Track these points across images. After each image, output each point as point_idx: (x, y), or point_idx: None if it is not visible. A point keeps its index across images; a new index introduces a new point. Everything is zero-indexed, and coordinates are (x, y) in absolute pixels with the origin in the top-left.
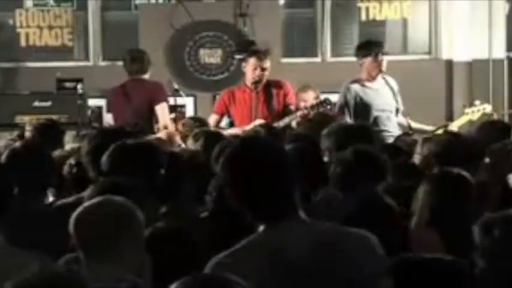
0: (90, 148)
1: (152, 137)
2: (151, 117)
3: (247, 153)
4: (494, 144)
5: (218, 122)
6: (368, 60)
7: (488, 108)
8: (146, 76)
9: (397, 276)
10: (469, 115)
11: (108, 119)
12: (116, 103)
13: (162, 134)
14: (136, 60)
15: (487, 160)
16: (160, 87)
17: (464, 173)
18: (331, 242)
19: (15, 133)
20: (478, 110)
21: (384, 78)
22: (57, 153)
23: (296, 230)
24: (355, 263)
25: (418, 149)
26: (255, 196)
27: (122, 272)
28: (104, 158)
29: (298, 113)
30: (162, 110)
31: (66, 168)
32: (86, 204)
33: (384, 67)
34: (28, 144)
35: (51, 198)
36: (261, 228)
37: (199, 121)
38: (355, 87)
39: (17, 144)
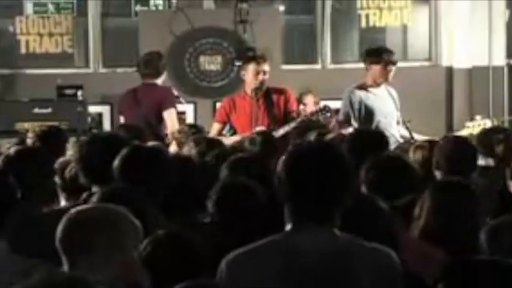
0: (81, 155)
1: (152, 143)
2: (159, 123)
3: (308, 154)
4: (496, 136)
5: (220, 130)
6: (377, 68)
7: (488, 123)
8: (159, 81)
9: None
10: (470, 129)
11: (107, 124)
12: (125, 107)
13: (172, 147)
14: (149, 63)
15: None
16: (169, 93)
17: (468, 182)
18: (349, 254)
19: (13, 140)
20: (479, 125)
21: (386, 88)
22: (63, 158)
23: (317, 237)
24: (369, 279)
25: (410, 155)
26: (295, 195)
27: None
28: (116, 163)
29: (299, 120)
30: (169, 116)
31: (67, 173)
32: (71, 211)
33: (391, 77)
34: (22, 150)
35: (63, 203)
36: (287, 228)
37: (195, 128)
38: (360, 91)
39: (11, 150)
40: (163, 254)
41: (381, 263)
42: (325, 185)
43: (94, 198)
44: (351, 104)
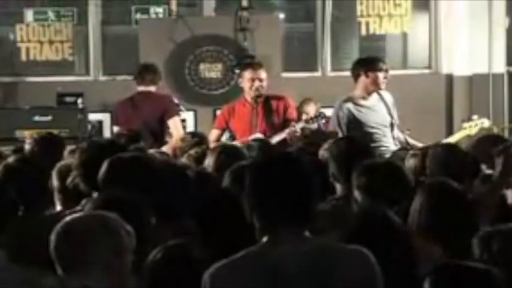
0: (80, 161)
1: (152, 151)
2: (162, 130)
3: (269, 165)
4: (496, 148)
5: (219, 136)
6: (362, 78)
7: (486, 122)
8: (153, 88)
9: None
10: (467, 130)
11: (107, 132)
12: (123, 115)
13: (166, 148)
14: (151, 70)
15: (482, 172)
16: (171, 101)
17: (456, 184)
18: (327, 259)
19: (10, 148)
20: (476, 125)
21: (378, 94)
22: (61, 164)
23: (294, 246)
24: (349, 282)
25: (406, 163)
26: (265, 206)
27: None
28: (101, 172)
29: (296, 127)
30: (174, 124)
31: (69, 180)
32: (65, 219)
33: (384, 85)
34: (22, 158)
35: (58, 207)
36: (264, 239)
37: (198, 136)
38: (348, 105)
39: (11, 158)
40: (176, 265)
41: (359, 264)
42: (291, 193)
43: (88, 205)
44: (338, 120)
